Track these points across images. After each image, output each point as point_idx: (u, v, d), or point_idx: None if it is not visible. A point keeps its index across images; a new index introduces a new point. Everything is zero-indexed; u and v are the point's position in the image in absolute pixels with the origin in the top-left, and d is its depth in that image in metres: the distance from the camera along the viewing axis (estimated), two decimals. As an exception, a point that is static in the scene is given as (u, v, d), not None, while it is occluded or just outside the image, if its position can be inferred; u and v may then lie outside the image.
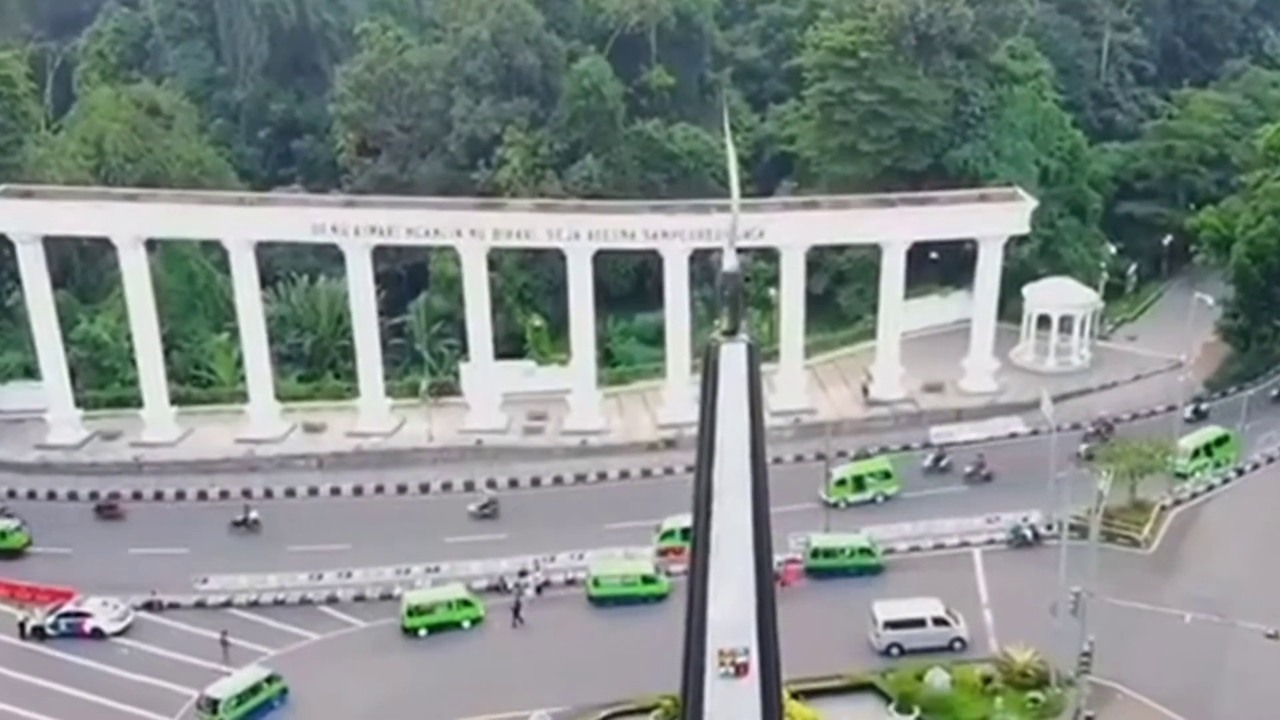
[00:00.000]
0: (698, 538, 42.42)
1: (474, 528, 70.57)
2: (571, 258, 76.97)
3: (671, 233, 76.12)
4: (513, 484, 75.56)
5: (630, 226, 77.01)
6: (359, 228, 77.04)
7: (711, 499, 41.72)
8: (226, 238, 78.47)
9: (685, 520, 65.30)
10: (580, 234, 76.28)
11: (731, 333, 40.72)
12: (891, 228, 77.59)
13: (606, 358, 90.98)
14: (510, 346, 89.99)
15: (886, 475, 71.43)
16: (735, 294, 41.11)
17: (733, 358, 40.60)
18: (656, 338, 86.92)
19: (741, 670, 43.18)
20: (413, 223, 77.83)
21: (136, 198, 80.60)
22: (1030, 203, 79.20)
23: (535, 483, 75.70)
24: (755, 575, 42.46)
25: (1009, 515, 67.27)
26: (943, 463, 73.70)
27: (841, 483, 70.68)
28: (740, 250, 45.72)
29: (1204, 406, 78.39)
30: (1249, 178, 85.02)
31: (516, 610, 61.91)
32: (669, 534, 66.73)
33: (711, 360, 40.79)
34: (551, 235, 77.04)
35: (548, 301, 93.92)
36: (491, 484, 74.67)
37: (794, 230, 77.26)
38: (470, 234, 77.09)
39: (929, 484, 72.37)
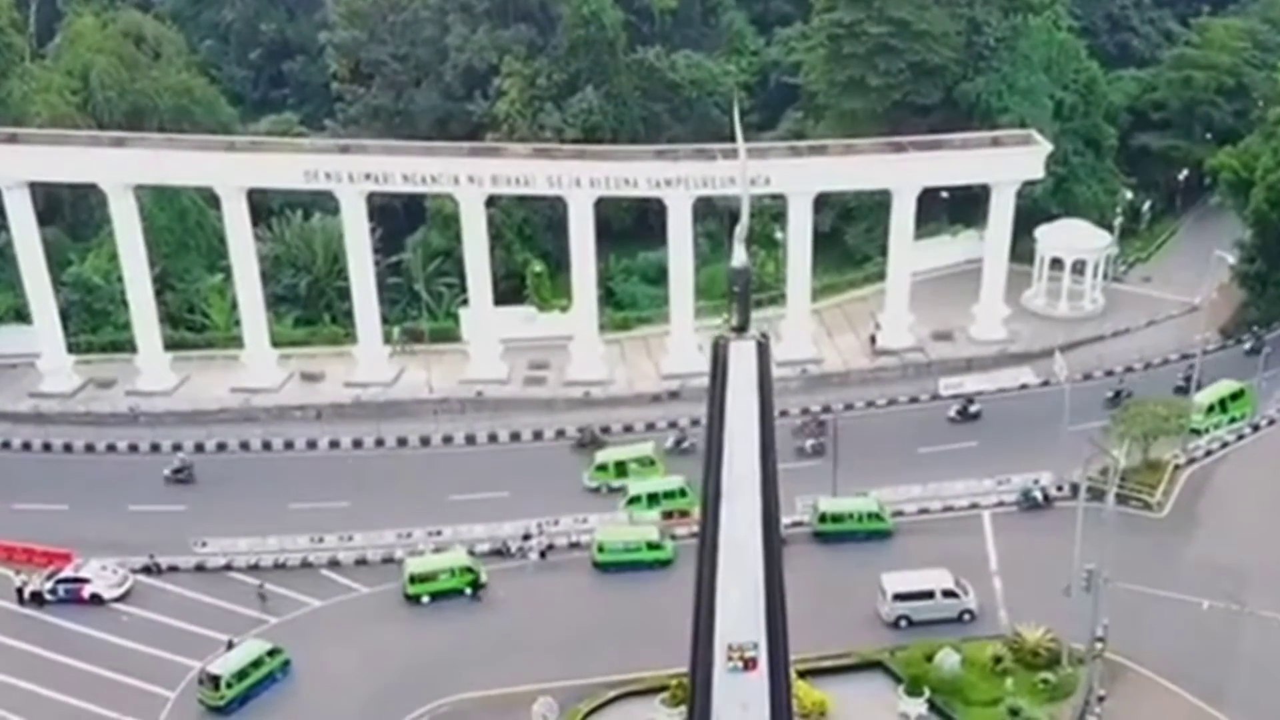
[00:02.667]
0: (706, 536, 41.58)
1: (474, 486, 69.21)
2: (572, 205, 74.94)
3: (675, 180, 74.03)
4: (514, 437, 74.42)
5: (633, 174, 74.91)
6: (353, 174, 75.02)
7: (720, 498, 40.79)
8: (217, 185, 76.53)
9: (653, 485, 66.11)
10: (581, 181, 74.26)
11: (740, 329, 39.52)
12: (901, 173, 75.37)
13: (608, 296, 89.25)
14: (509, 285, 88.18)
15: (651, 462, 68.80)
16: (744, 290, 39.82)
17: (741, 356, 39.51)
18: (659, 276, 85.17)
19: (750, 665, 42.78)
20: (408, 169, 75.77)
21: (125, 142, 78.34)
22: (1045, 147, 76.83)
23: (537, 436, 74.47)
24: (764, 572, 41.74)
25: (1018, 477, 65.92)
26: (684, 444, 71.11)
27: (602, 468, 68.73)
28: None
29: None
30: (1270, 114, 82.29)
31: (476, 585, 60.77)
32: (635, 500, 65.82)
33: (719, 358, 39.63)
34: (552, 183, 75.03)
35: (547, 237, 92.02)
36: (178, 447, 73.35)
37: (801, 177, 75.10)
38: (468, 181, 75.06)
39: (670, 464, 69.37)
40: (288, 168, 76.50)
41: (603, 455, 69.64)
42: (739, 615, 41.83)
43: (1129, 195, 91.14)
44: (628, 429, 74.29)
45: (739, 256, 39.39)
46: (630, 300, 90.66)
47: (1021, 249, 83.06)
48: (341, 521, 66.57)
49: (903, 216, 76.33)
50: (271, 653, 56.51)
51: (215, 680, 54.72)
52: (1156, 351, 78.44)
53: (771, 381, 40.38)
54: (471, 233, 76.73)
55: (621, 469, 68.74)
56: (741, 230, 39.35)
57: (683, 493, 65.27)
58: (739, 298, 39.59)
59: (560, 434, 74.36)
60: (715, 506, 40.98)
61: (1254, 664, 52.78)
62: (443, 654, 57.07)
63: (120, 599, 62.00)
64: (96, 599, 61.71)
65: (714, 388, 39.99)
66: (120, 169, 75.59)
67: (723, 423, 40.11)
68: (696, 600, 42.37)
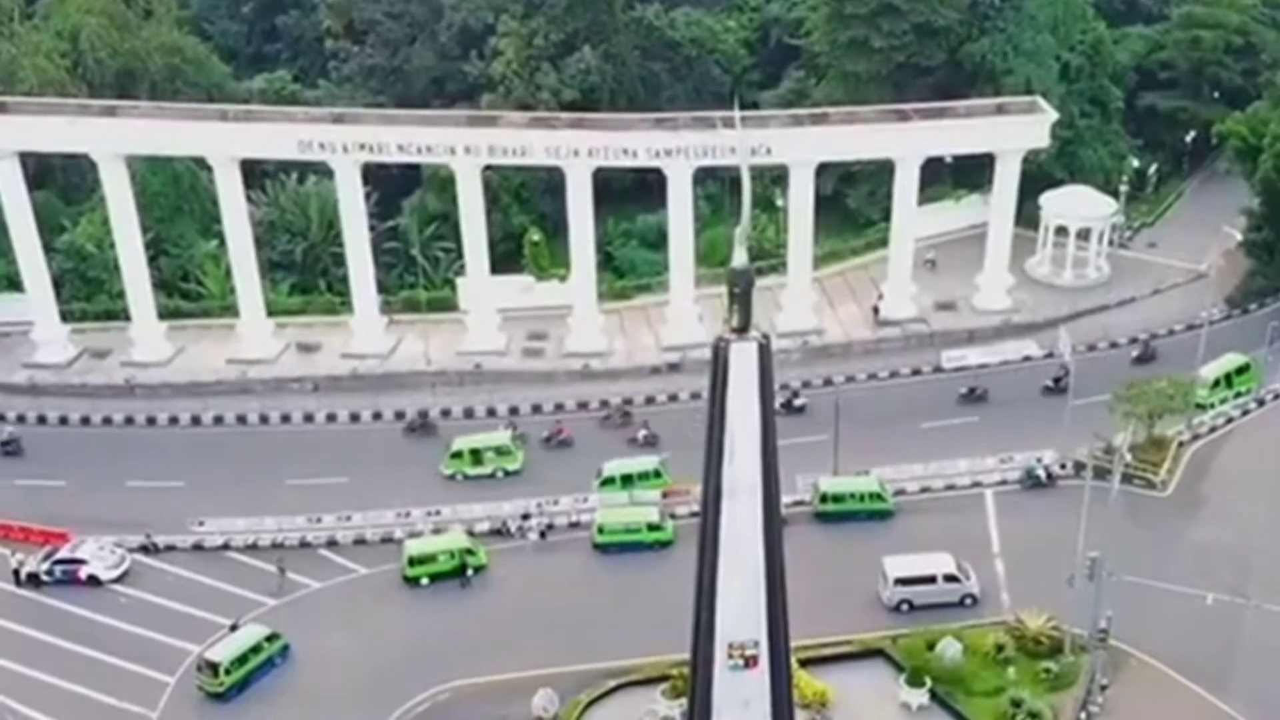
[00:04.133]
0: (707, 534, 41.16)
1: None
2: (570, 175, 73.78)
3: (675, 151, 72.72)
4: (513, 411, 73.49)
5: (632, 144, 73.49)
6: (347, 144, 73.86)
7: (721, 498, 40.30)
8: (210, 155, 75.53)
9: (626, 466, 65.68)
10: (579, 152, 72.99)
11: (741, 330, 38.80)
12: (905, 143, 73.95)
13: (607, 261, 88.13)
14: (506, 248, 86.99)
15: (508, 450, 68.07)
16: (745, 291, 39.02)
17: (743, 357, 38.90)
18: (659, 240, 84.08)
19: (751, 663, 42.59)
20: (404, 139, 74.45)
21: (116, 111, 76.88)
22: (1050, 114, 75.34)
23: (536, 410, 73.71)
24: (765, 570, 41.38)
25: (1020, 455, 65.24)
26: (517, 433, 70.34)
27: (458, 455, 67.83)
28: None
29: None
30: (1279, 78, 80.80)
31: (462, 570, 60.36)
32: (609, 480, 65.37)
33: (720, 359, 38.98)
34: (549, 153, 73.67)
35: (544, 200, 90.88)
36: (1, 418, 73.23)
37: (803, 146, 73.75)
38: (464, 151, 73.77)
39: None
40: (281, 138, 75.17)
41: (459, 443, 68.47)
42: (740, 613, 41.57)
43: (1135, 163, 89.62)
44: (628, 401, 73.52)
45: (739, 257, 38.60)
46: (629, 266, 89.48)
47: (1026, 213, 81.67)
48: (339, 499, 66.10)
49: (906, 186, 75.05)
50: (270, 638, 56.21)
51: (214, 667, 54.48)
52: (1163, 322, 77.46)
53: (773, 382, 39.87)
54: (468, 204, 75.52)
55: (477, 457, 67.79)
56: (743, 231, 38.56)
57: (657, 474, 64.90)
58: (740, 299, 38.82)
59: (559, 407, 73.65)
60: (716, 505, 40.51)
61: (1257, 651, 52.35)
62: (442, 638, 56.79)
63: (118, 580, 61.58)
64: (94, 580, 61.33)
65: (714, 389, 39.38)
66: (111, 139, 74.39)
67: (724, 424, 39.55)
68: (697, 598, 42.07)
